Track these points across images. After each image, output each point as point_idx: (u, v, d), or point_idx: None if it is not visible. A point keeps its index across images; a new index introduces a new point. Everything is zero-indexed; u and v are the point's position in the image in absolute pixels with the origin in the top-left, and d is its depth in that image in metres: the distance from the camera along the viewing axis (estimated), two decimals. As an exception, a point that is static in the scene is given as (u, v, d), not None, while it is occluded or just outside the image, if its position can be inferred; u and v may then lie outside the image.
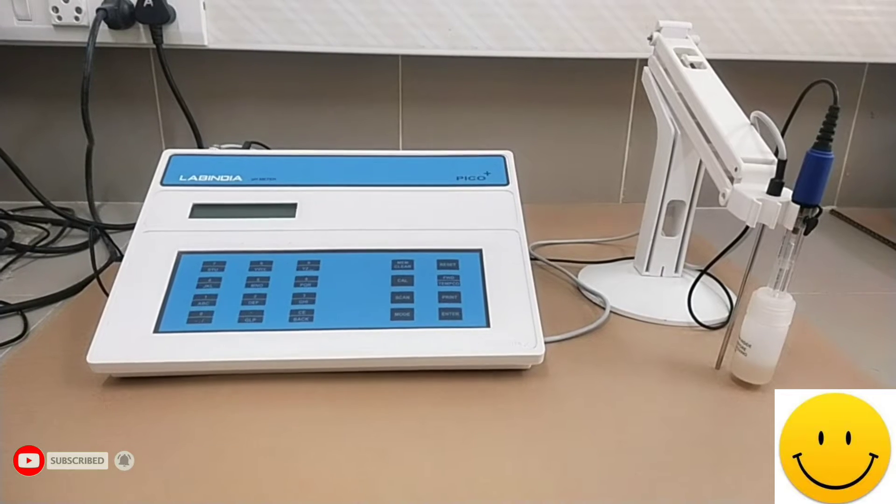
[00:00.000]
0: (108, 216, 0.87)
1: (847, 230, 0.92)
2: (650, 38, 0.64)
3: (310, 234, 0.58)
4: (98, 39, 0.77)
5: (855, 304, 0.69)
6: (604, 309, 0.63)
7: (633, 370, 0.54)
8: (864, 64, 0.93)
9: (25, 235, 0.80)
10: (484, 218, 0.60)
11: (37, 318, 0.61)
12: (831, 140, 0.45)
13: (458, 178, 0.63)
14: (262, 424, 0.46)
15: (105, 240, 0.78)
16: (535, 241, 0.77)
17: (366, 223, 0.59)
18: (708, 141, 0.55)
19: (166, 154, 0.63)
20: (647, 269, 0.66)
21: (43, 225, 0.83)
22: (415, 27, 0.82)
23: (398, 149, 0.94)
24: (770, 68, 0.86)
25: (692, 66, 0.60)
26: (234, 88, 0.89)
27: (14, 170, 0.84)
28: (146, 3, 0.78)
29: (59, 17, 0.79)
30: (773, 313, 0.49)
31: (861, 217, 0.94)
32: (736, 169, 0.50)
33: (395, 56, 0.89)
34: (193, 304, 0.52)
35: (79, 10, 0.78)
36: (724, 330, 0.58)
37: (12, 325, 0.59)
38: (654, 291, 0.65)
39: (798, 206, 0.45)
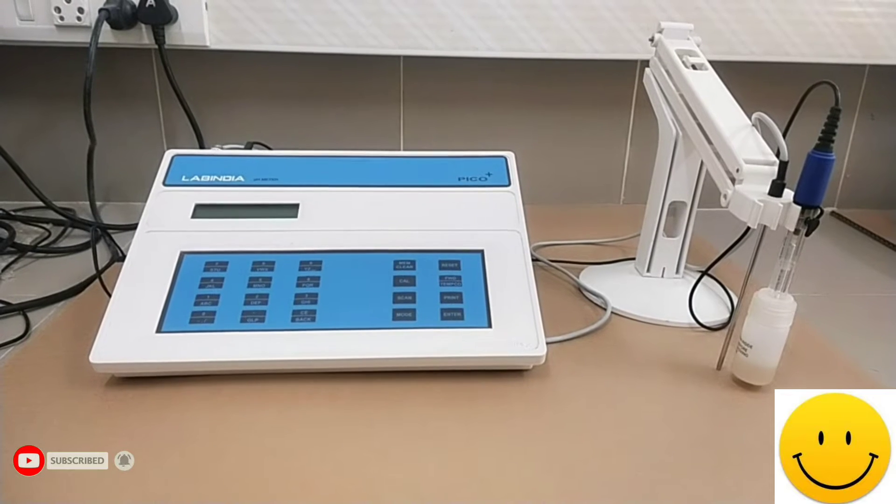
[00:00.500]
0: (109, 216, 0.87)
1: (847, 232, 0.92)
2: (651, 40, 0.65)
3: (312, 235, 0.58)
4: (100, 40, 0.77)
5: (855, 306, 0.69)
6: (605, 310, 0.63)
7: (634, 371, 0.54)
8: (864, 66, 0.93)
9: (27, 235, 0.80)
10: (485, 219, 0.60)
11: (39, 317, 0.61)
12: (832, 141, 0.45)
13: (459, 179, 0.63)
14: (264, 424, 0.46)
15: (107, 240, 0.78)
16: (537, 242, 0.77)
17: (368, 223, 0.59)
18: (709, 142, 0.55)
19: (169, 154, 0.63)
20: (649, 270, 0.66)
21: (44, 225, 0.83)
22: (416, 28, 0.82)
23: (399, 149, 0.94)
24: (771, 70, 0.86)
25: (693, 67, 0.60)
26: (235, 89, 0.90)
27: (16, 170, 0.84)
28: (148, 3, 0.79)
29: (62, 18, 0.79)
30: (774, 314, 0.49)
31: (861, 219, 0.94)
32: (737, 170, 0.50)
33: (397, 57, 0.89)
34: (196, 304, 0.52)
35: (81, 10, 0.78)
36: (725, 331, 0.58)
37: (14, 325, 0.59)
38: (655, 292, 0.65)
39: (799, 208, 0.46)
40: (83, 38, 0.78)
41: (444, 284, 0.55)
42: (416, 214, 0.60)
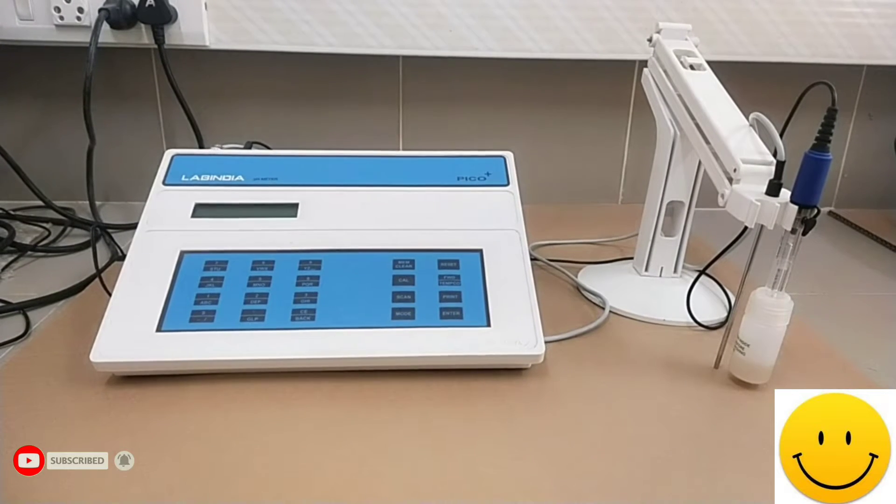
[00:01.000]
0: (108, 216, 0.87)
1: (845, 231, 0.92)
2: (650, 40, 0.65)
3: (311, 234, 0.58)
4: (100, 39, 0.77)
5: (852, 305, 0.69)
6: (603, 309, 0.63)
7: (632, 370, 0.54)
8: (862, 66, 0.94)
9: (26, 235, 0.80)
10: (484, 218, 0.60)
11: (39, 317, 0.61)
12: (829, 141, 0.45)
13: (458, 179, 0.63)
14: (264, 423, 0.46)
15: (106, 239, 0.79)
16: (535, 242, 0.78)
17: (367, 223, 0.59)
18: (707, 142, 0.55)
19: (168, 154, 0.63)
20: (647, 270, 0.67)
21: (44, 224, 0.83)
22: (415, 28, 0.83)
23: (398, 149, 0.94)
24: (769, 70, 0.87)
25: (691, 67, 0.60)
26: (235, 89, 0.90)
27: (15, 169, 0.84)
28: (148, 3, 0.79)
29: (61, 17, 0.79)
30: (771, 313, 0.49)
31: (858, 218, 0.94)
32: (735, 170, 0.50)
33: (396, 57, 0.89)
34: (196, 303, 0.53)
35: (81, 10, 0.79)
36: (722, 330, 0.58)
37: (14, 325, 0.60)
38: (653, 291, 0.65)
39: (796, 207, 0.46)
40: (83, 37, 0.78)
41: (443, 284, 0.55)
42: (416, 214, 0.60)
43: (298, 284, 0.54)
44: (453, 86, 0.91)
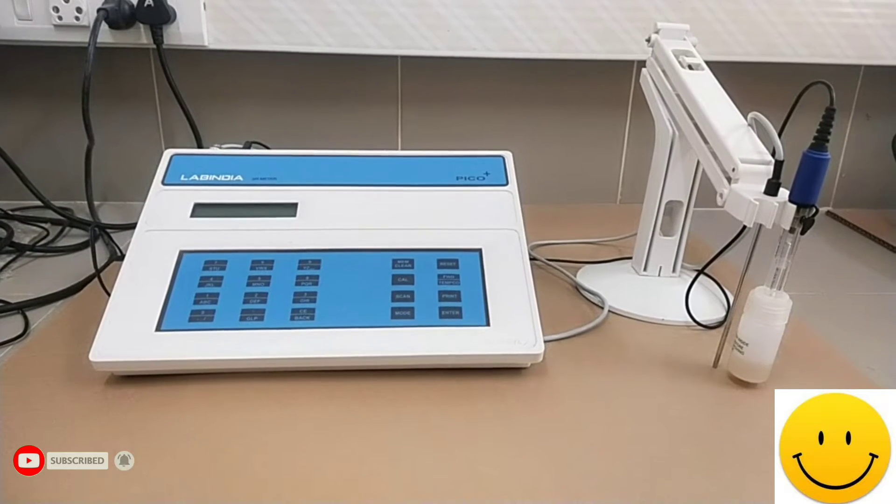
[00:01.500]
0: (107, 216, 0.87)
1: (843, 231, 0.93)
2: (648, 40, 0.65)
3: (310, 234, 0.58)
4: (98, 39, 0.77)
5: (850, 305, 0.70)
6: (602, 308, 0.63)
7: (631, 369, 0.54)
8: (859, 66, 0.94)
9: (25, 235, 0.80)
10: (483, 218, 0.60)
11: (37, 316, 0.61)
12: (828, 141, 0.45)
13: (457, 179, 0.63)
14: (263, 422, 0.46)
15: (105, 239, 0.79)
16: (534, 241, 0.78)
17: (366, 223, 0.59)
18: (705, 142, 0.55)
19: (167, 154, 0.63)
20: (645, 269, 0.67)
21: (43, 224, 0.83)
22: (414, 28, 0.83)
23: (397, 149, 0.94)
24: (767, 70, 0.87)
25: (690, 67, 0.60)
26: (233, 89, 0.90)
27: (14, 169, 0.84)
28: (147, 3, 0.79)
29: (60, 17, 0.79)
30: (769, 312, 0.49)
31: (856, 218, 0.94)
32: (733, 169, 0.50)
33: (395, 57, 0.89)
34: (195, 302, 0.53)
35: (79, 10, 0.79)
36: (721, 329, 0.58)
37: (13, 324, 0.59)
38: (651, 291, 0.65)
39: (795, 206, 0.46)
40: (81, 37, 0.78)
41: (442, 283, 0.55)
42: (415, 213, 0.60)
43: (298, 284, 0.54)
44: (452, 86, 0.91)
